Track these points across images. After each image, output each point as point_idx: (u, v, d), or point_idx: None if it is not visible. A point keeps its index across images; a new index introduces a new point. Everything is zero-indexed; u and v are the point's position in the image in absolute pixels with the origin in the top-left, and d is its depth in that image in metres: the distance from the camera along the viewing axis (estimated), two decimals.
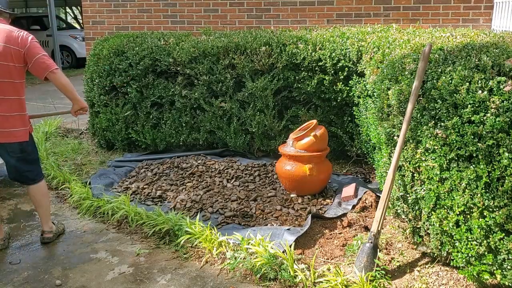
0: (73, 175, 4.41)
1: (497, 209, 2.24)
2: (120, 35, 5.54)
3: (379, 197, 3.24)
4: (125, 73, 4.95)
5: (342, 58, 4.19)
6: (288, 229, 3.19)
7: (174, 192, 4.02)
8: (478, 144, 2.25)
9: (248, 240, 2.96)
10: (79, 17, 21.96)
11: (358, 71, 4.10)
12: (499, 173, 2.20)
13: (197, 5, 6.27)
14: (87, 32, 6.88)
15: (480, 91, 2.26)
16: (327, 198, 3.80)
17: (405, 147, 2.67)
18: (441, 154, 2.42)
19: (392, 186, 2.71)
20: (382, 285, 2.58)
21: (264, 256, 2.76)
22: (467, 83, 2.32)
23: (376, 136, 3.27)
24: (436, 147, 2.44)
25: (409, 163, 2.66)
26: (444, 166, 2.43)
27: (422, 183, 2.60)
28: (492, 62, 2.34)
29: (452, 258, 2.52)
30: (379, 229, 2.71)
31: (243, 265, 2.84)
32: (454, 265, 2.52)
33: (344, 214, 3.48)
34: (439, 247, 2.60)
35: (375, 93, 3.16)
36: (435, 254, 2.72)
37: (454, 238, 2.45)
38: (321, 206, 3.66)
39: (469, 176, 2.30)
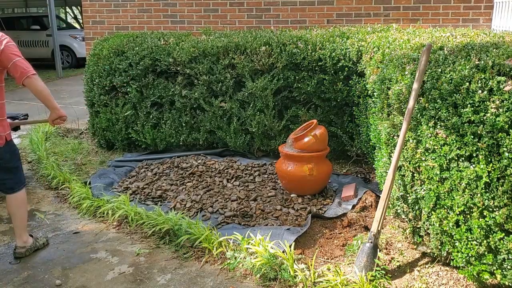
0: (73, 175, 4.41)
1: (497, 209, 2.24)
2: (120, 35, 5.54)
3: (379, 197, 3.24)
4: (125, 73, 4.95)
5: (342, 58, 4.19)
6: (288, 229, 3.19)
7: (174, 192, 4.02)
8: (478, 144, 2.25)
9: (248, 240, 2.96)
10: (79, 17, 21.95)
11: (358, 71, 4.10)
12: (499, 173, 2.20)
13: (197, 5, 6.26)
14: (87, 32, 6.88)
15: (480, 91, 2.26)
16: (327, 198, 3.80)
17: (405, 147, 2.67)
18: (441, 154, 2.42)
19: (392, 186, 2.71)
20: (382, 285, 2.58)
21: (264, 256, 2.76)
22: (467, 83, 2.32)
23: (376, 136, 3.27)
24: (436, 147, 2.44)
25: (409, 163, 2.67)
26: (444, 166, 2.43)
27: (422, 183, 2.61)
28: (492, 62, 2.34)
29: (452, 258, 2.52)
30: (379, 229, 2.71)
31: (243, 265, 2.84)
32: (454, 265, 2.52)
33: (344, 214, 3.48)
34: (439, 247, 2.60)
35: (375, 93, 3.16)
36: (435, 254, 2.72)
37: (454, 238, 2.46)
38: (321, 206, 3.66)
39: (469, 176, 2.30)
